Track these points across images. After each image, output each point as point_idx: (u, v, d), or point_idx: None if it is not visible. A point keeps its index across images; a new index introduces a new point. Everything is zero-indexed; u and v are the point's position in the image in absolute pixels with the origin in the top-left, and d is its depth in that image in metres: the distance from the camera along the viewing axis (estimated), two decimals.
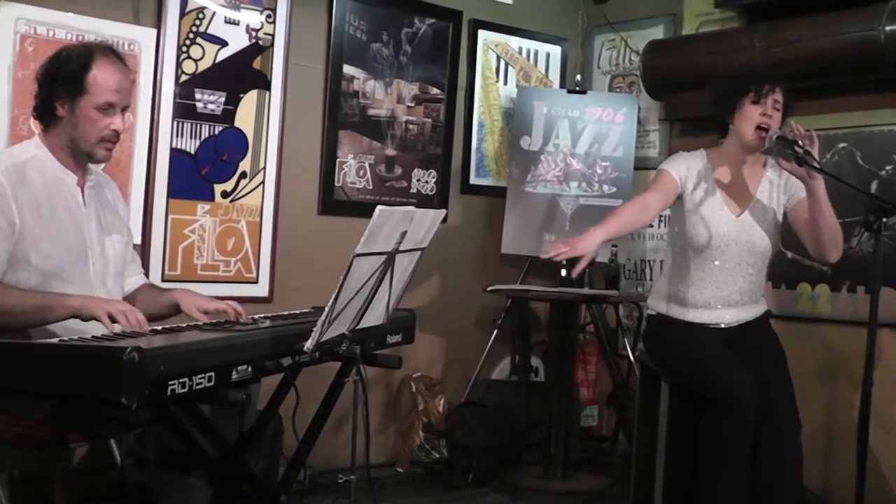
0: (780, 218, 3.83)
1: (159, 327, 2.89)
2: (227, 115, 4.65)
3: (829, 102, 4.70)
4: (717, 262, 3.76)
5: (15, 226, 2.84)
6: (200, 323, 3.02)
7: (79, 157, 3.02)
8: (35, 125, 3.35)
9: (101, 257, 3.06)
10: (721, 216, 3.76)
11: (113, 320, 2.74)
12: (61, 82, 2.93)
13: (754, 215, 3.79)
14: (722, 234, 3.74)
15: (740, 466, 3.53)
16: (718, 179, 3.82)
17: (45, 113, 2.99)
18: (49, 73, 2.96)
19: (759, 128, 3.67)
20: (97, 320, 2.76)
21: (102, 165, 3.25)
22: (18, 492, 2.73)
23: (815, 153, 3.49)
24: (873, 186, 4.59)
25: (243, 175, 4.71)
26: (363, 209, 4.79)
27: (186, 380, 2.41)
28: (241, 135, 4.70)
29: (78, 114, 2.94)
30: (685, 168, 3.81)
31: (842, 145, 4.73)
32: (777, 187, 3.84)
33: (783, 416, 3.57)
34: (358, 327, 2.91)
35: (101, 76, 2.94)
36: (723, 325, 3.81)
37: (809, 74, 4.49)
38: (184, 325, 2.93)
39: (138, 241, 4.15)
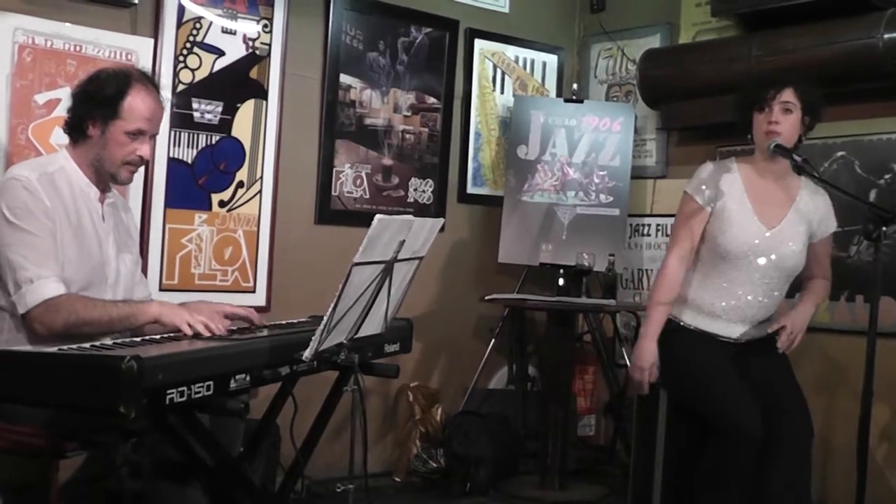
0: (807, 239, 3.73)
1: (235, 327, 3.04)
2: (224, 125, 4.64)
3: (828, 111, 4.61)
4: (741, 274, 3.65)
5: (55, 226, 2.93)
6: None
7: (102, 176, 3.12)
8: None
9: (115, 272, 3.14)
10: (751, 227, 3.63)
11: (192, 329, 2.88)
12: (96, 105, 3.04)
13: (786, 231, 3.67)
14: (751, 246, 3.62)
15: (738, 491, 3.49)
16: (750, 190, 3.70)
17: (76, 130, 3.09)
18: (86, 93, 3.07)
19: (769, 133, 3.62)
20: (178, 329, 2.89)
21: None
22: (15, 500, 2.72)
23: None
24: (872, 195, 4.58)
25: (240, 184, 4.69)
26: (360, 218, 4.80)
27: (185, 388, 2.41)
28: (239, 144, 4.69)
29: (108, 136, 3.05)
30: (712, 185, 3.68)
31: (840, 154, 4.73)
32: (810, 212, 3.73)
33: (798, 426, 3.54)
34: (356, 336, 2.90)
35: (136, 103, 3.05)
36: (733, 339, 3.71)
37: None
38: (181, 333, 2.92)
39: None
